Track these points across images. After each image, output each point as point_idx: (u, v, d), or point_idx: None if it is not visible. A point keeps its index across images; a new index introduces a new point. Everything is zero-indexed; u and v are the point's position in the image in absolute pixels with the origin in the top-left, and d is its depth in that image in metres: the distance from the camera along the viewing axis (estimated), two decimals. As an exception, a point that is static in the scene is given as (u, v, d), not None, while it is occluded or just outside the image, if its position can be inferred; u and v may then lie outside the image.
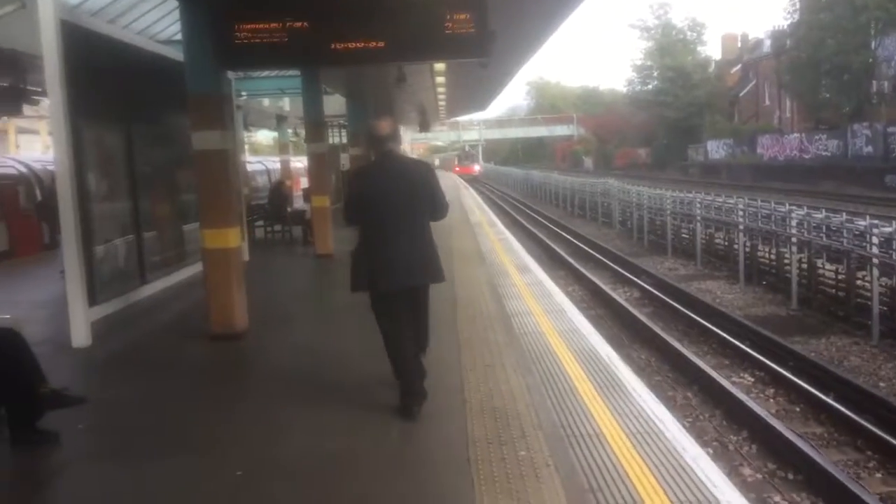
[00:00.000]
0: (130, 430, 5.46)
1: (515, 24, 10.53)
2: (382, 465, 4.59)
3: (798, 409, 8.98)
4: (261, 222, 17.49)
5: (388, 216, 5.32)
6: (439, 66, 14.43)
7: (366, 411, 5.54)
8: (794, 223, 14.09)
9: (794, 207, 15.06)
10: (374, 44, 7.18)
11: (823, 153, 41.09)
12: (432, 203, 5.51)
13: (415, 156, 75.15)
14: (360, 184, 5.60)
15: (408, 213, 5.35)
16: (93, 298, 7.83)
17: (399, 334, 5.53)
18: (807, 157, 42.55)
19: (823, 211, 14.61)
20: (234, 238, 7.78)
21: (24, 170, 17.92)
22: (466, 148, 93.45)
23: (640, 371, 10.32)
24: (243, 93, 21.49)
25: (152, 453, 4.97)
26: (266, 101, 25.75)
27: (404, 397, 5.41)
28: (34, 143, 33.44)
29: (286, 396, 5.99)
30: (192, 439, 5.24)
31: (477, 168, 79.19)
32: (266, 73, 20.52)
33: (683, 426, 7.66)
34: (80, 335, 7.63)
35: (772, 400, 9.36)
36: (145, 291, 9.25)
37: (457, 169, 73.26)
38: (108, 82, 8.54)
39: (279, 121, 29.20)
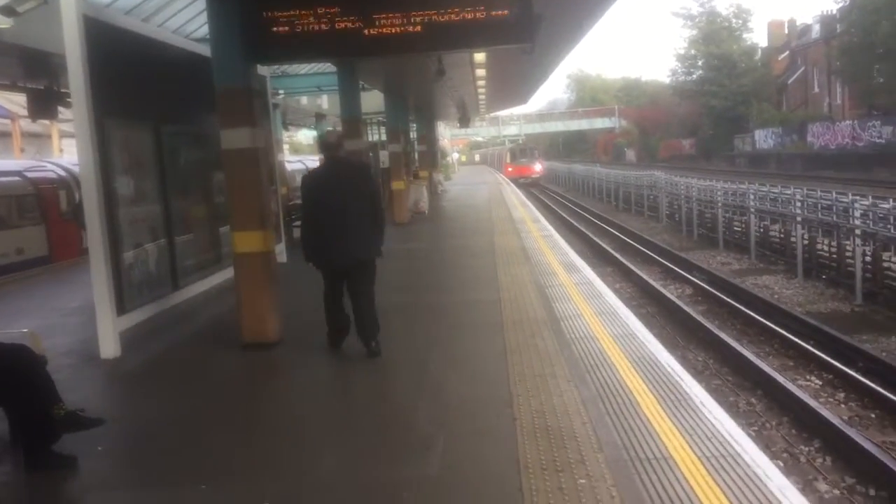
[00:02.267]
0: (153, 454, 5.05)
1: (561, 8, 9.97)
2: (424, 498, 4.10)
3: (873, 416, 8.32)
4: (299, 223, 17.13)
5: (332, 208, 6.65)
6: (480, 57, 13.92)
7: (404, 434, 5.07)
8: (857, 214, 13.29)
9: (857, 197, 14.24)
10: (411, 30, 6.71)
11: (877, 140, 39.53)
12: (371, 199, 6.83)
13: (455, 152, 74.69)
14: (312, 182, 6.99)
15: (348, 206, 6.66)
16: (121, 307, 7.48)
17: (333, 299, 6.99)
18: (860, 144, 41.00)
19: (892, 201, 13.75)
20: (266, 241, 7.36)
21: (63, 174, 17.84)
22: (521, 139, 78.73)
23: (697, 374, 9.72)
24: (280, 91, 21.18)
25: (175, 479, 4.57)
26: (304, 100, 25.42)
27: (329, 337, 7.15)
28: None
29: (319, 416, 5.56)
30: (216, 463, 4.81)
31: (538, 168, 56.61)
32: (303, 69, 20.22)
33: (749, 435, 7.13)
34: (109, 346, 7.28)
35: (843, 405, 8.70)
36: (178, 297, 8.89)
37: (510, 169, 54.55)
38: (135, 80, 8.18)
39: (318, 119, 28.89)
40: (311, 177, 7.14)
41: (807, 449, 7.52)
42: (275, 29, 6.85)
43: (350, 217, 6.64)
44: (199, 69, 8.42)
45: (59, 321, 9.07)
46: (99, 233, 7.20)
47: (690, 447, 4.38)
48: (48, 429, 4.65)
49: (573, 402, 5.25)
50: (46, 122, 25.70)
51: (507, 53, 12.88)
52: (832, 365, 9.70)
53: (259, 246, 7.25)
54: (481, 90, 21.68)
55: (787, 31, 63.98)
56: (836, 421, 7.75)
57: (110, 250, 7.31)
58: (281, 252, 13.22)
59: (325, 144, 7.07)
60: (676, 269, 17.42)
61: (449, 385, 5.94)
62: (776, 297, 14.19)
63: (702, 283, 15.48)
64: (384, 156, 24.25)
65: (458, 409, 5.38)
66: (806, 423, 8.05)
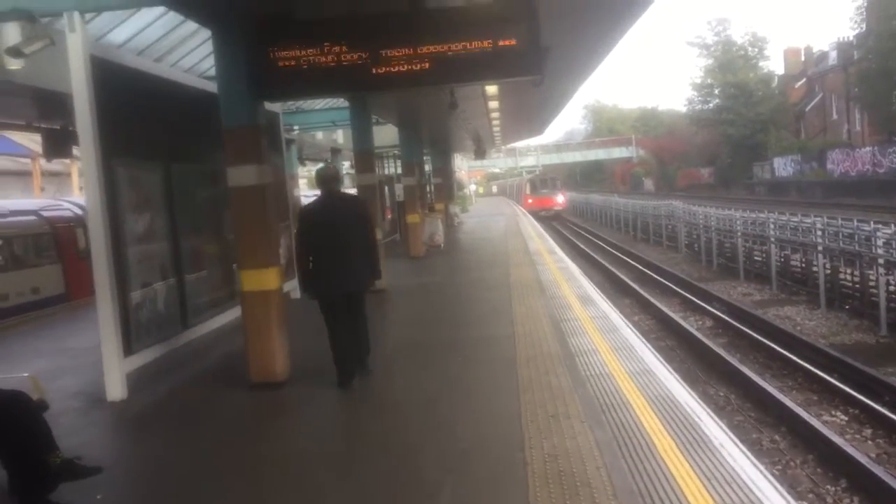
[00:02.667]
0: (153, 502, 4.90)
1: (570, 40, 9.90)
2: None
3: (903, 454, 8.03)
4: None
5: (328, 239, 6.97)
6: (492, 90, 13.86)
7: (411, 479, 4.89)
8: (880, 242, 13.01)
9: (879, 225, 13.96)
10: (419, 66, 6.64)
11: (898, 167, 39.15)
12: (365, 231, 7.17)
13: (472, 183, 74.62)
14: (309, 214, 7.27)
15: (344, 237, 6.99)
16: (128, 348, 7.39)
17: (337, 329, 7.09)
18: (881, 171, 40.58)
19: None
20: (273, 279, 7.26)
21: (79, 212, 17.91)
22: (538, 169, 74.30)
23: (719, 410, 9.47)
24: (295, 127, 21.27)
25: (173, 530, 4.42)
26: (319, 135, 25.53)
27: (340, 377, 7.05)
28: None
29: (324, 458, 5.39)
30: (218, 512, 4.67)
31: (561, 200, 51.94)
32: (318, 105, 20.30)
33: (773, 474, 6.87)
34: (115, 388, 7.18)
35: (870, 442, 8.41)
36: (188, 336, 8.80)
37: (530, 201, 50.48)
38: (144, 119, 8.19)
39: (333, 153, 28.99)
40: (308, 210, 7.40)
41: (833, 489, 7.25)
42: (281, 65, 6.79)
43: (346, 249, 6.98)
44: (210, 106, 8.40)
45: (69, 362, 8.98)
46: (106, 273, 7.13)
47: (710, 493, 4.17)
48: (44, 478, 4.52)
49: (587, 445, 5.06)
50: (66, 160, 25.97)
51: (517, 85, 12.82)
52: (858, 399, 9.41)
53: (266, 284, 7.15)
54: (495, 122, 21.63)
55: (803, 59, 63.80)
56: (863, 459, 7.47)
57: (117, 290, 7.24)
58: (295, 288, 13.13)
59: (322, 178, 7.31)
60: (696, 300, 17.15)
61: (459, 425, 5.77)
62: (798, 328, 13.89)
63: (722, 315, 15.20)
64: (399, 189, 24.25)
65: (467, 452, 5.20)
66: (832, 461, 7.77)
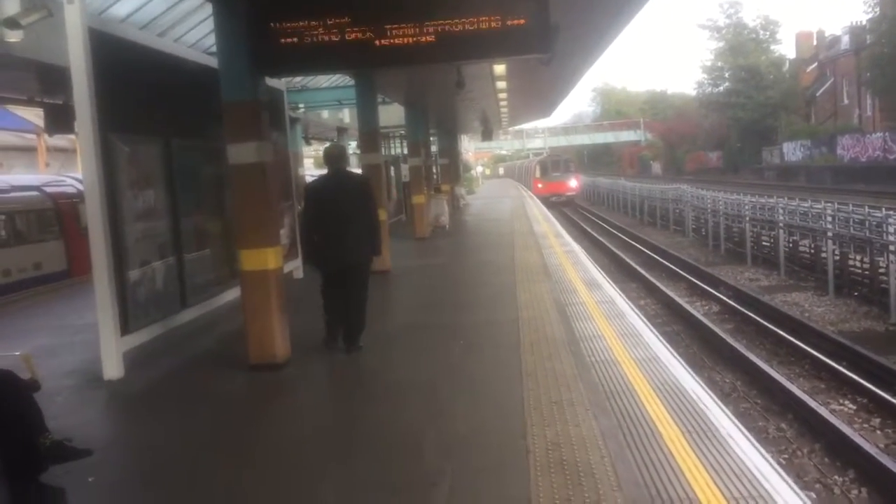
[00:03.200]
0: (145, 485, 4.82)
1: (581, 19, 9.67)
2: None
3: (912, 444, 7.90)
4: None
5: (332, 214, 7.29)
6: (500, 69, 13.63)
7: (410, 466, 4.77)
8: (892, 229, 12.81)
9: (891, 212, 13.74)
10: (424, 40, 6.44)
11: (910, 153, 38.79)
12: (368, 208, 7.44)
13: (479, 165, 74.29)
14: (315, 190, 7.69)
15: (347, 213, 7.29)
16: (126, 327, 7.26)
17: (329, 296, 7.63)
18: (892, 157, 40.21)
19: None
20: (274, 259, 7.11)
21: (82, 188, 17.78)
22: (545, 151, 71.16)
23: (725, 397, 9.34)
24: (301, 105, 21.08)
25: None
26: (325, 114, 25.31)
27: (327, 336, 7.67)
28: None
29: (321, 443, 5.27)
30: (211, 495, 4.55)
31: (574, 184, 48.10)
32: (324, 83, 20.08)
33: (780, 463, 6.74)
34: (112, 367, 7.06)
35: (879, 432, 8.28)
36: (187, 315, 8.67)
37: (539, 185, 46.58)
38: (144, 94, 8.01)
39: (340, 133, 28.79)
40: (314, 186, 7.88)
41: (841, 479, 7.13)
42: (283, 40, 6.61)
43: (349, 223, 7.31)
44: (212, 82, 8.23)
45: (68, 340, 8.88)
46: (103, 250, 7.00)
47: (718, 487, 4.03)
48: (33, 460, 4.40)
49: (591, 434, 4.92)
50: (71, 136, 25.83)
51: (526, 65, 12.60)
52: (866, 388, 9.28)
53: (266, 264, 7.00)
54: (503, 102, 21.37)
55: (815, 43, 63.09)
56: (872, 450, 7.33)
57: (115, 268, 7.11)
58: (298, 268, 13.01)
59: (329, 156, 7.69)
60: (703, 285, 17.00)
61: (460, 411, 5.65)
62: (807, 315, 13.73)
63: (729, 300, 15.05)
64: (405, 169, 24.06)
65: (468, 439, 5.08)
66: (840, 451, 7.65)
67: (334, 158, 7.59)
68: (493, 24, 6.44)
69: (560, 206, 43.37)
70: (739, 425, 5.00)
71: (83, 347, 8.24)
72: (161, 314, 8.07)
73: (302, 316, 9.52)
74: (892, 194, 29.33)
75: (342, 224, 7.27)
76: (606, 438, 4.84)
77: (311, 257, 7.74)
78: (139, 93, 7.90)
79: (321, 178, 7.87)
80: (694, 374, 6.17)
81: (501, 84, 16.05)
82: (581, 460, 4.51)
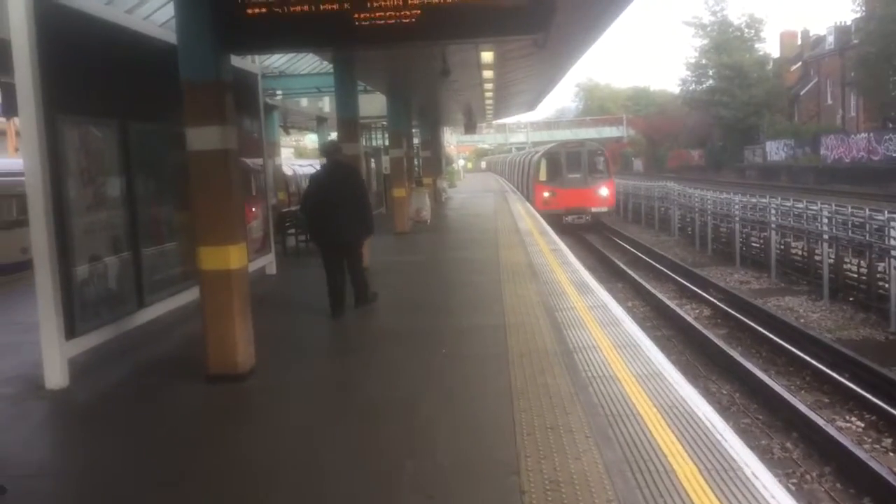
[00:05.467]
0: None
1: (573, 4, 9.02)
2: None
3: (929, 469, 7.31)
4: (293, 230, 16.10)
5: (329, 199, 8.52)
6: (487, 57, 12.93)
7: (381, 490, 4.10)
8: (894, 233, 12.27)
9: (894, 216, 13.19)
10: (408, 15, 5.74)
11: (894, 154, 38.46)
12: (358, 195, 8.72)
13: (461, 158, 73.64)
14: (315, 178, 9.15)
15: (341, 198, 8.52)
16: (72, 330, 6.52)
17: (331, 271, 8.76)
18: (875, 158, 39.92)
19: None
20: (237, 257, 6.38)
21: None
22: (527, 145, 62.22)
23: (724, 410, 8.76)
24: (278, 92, 20.29)
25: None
26: (304, 101, 24.51)
27: (332, 309, 8.71)
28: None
29: (283, 475, 4.54)
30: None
31: (605, 193, 29.13)
32: (303, 69, 19.30)
33: (788, 489, 6.14)
34: (55, 375, 6.35)
35: (892, 454, 7.70)
36: (144, 316, 7.94)
37: (546, 195, 28.83)
38: (98, 72, 7.25)
39: (319, 122, 28.00)
40: (315, 175, 9.38)
41: (857, 509, 6.54)
42: (249, 12, 5.88)
43: (342, 207, 8.51)
44: (176, 61, 7.48)
45: (14, 339, 8.14)
46: (45, 245, 6.27)
47: (751, 546, 3.39)
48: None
49: (594, 470, 4.26)
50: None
51: (513, 54, 11.95)
52: (874, 404, 8.71)
53: (228, 263, 6.26)
54: (488, 94, 20.67)
55: (800, 42, 62.90)
56: (888, 476, 6.75)
57: (59, 264, 6.37)
58: (271, 263, 12.29)
59: (325, 149, 9.55)
60: (692, 286, 16.44)
61: (443, 438, 4.96)
62: (802, 321, 13.20)
63: (720, 304, 14.48)
64: (386, 161, 23.32)
65: (451, 474, 4.40)
66: (853, 474, 7.05)
67: (330, 151, 9.12)
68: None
69: (583, 230, 27.87)
70: (764, 466, 4.36)
71: (30, 349, 7.43)
72: (113, 315, 7.32)
73: (274, 316, 8.84)
74: (879, 196, 28.98)
75: (334, 207, 8.47)
76: (612, 475, 4.18)
77: (311, 234, 9.43)
78: (93, 70, 7.14)
79: (321, 168, 9.36)
80: (704, 399, 5.54)
81: (488, 73, 15.36)
82: (585, 504, 3.86)
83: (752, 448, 4.92)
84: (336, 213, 8.45)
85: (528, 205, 27.28)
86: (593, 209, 28.19)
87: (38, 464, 5.05)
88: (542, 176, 29.10)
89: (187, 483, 4.54)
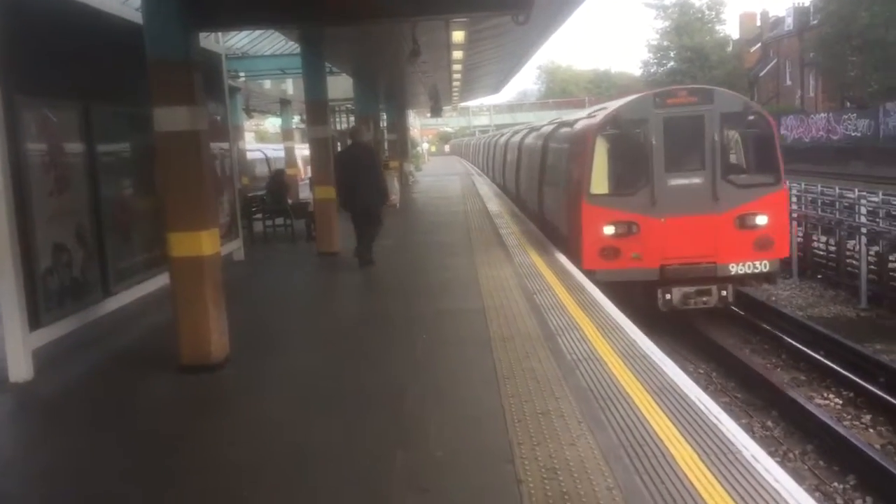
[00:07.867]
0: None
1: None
2: None
3: (908, 442, 7.36)
4: (260, 215, 15.78)
5: (353, 174, 10.53)
6: (458, 36, 12.72)
7: (371, 485, 3.94)
8: (864, 211, 12.36)
9: (864, 194, 13.28)
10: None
11: (853, 134, 39.00)
12: (376, 169, 10.92)
13: (425, 142, 73.25)
14: (342, 156, 11.54)
15: (362, 173, 10.46)
16: (35, 320, 6.24)
17: (359, 231, 10.84)
18: (835, 137, 40.49)
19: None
20: (208, 243, 6.14)
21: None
22: (491, 129, 61.68)
23: (704, 390, 8.69)
24: (241, 73, 19.83)
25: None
26: (268, 84, 24.04)
27: (360, 262, 10.80)
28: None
29: (261, 471, 4.34)
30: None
31: (764, 224, 10.42)
32: (268, 50, 18.88)
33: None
34: (19, 367, 6.08)
35: (872, 430, 7.73)
36: (110, 305, 7.65)
37: (606, 231, 10.61)
38: (60, 51, 6.90)
39: (283, 105, 27.52)
40: (341, 153, 12.18)
41: (842, 486, 6.53)
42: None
43: (363, 179, 10.43)
44: (142, 41, 7.17)
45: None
46: (6, 232, 5.97)
47: (760, 532, 3.29)
48: None
49: (590, 455, 4.15)
50: None
51: (488, 32, 11.75)
52: (851, 380, 8.76)
53: (199, 249, 6.03)
54: (456, 75, 20.46)
55: (759, 23, 63.44)
56: (870, 452, 6.76)
57: (21, 253, 6.07)
58: (238, 249, 12.00)
59: (350, 132, 12.34)
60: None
61: (432, 427, 4.79)
62: (773, 298, 13.27)
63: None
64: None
65: (443, 465, 4.24)
66: (835, 452, 7.05)
67: (353, 133, 11.67)
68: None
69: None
70: (758, 445, 4.28)
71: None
72: (79, 305, 7.03)
73: (246, 303, 8.60)
74: (841, 175, 29.32)
75: (356, 180, 10.43)
76: (609, 461, 4.07)
77: (343, 202, 10.96)
78: (53, 50, 6.80)
79: (346, 149, 11.92)
80: (691, 379, 5.45)
81: (458, 54, 15.14)
82: (585, 491, 3.74)
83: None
84: (357, 184, 10.34)
85: (496, 187, 27.15)
86: (733, 269, 10.66)
87: (1, 462, 4.80)
88: (598, 183, 11.06)
89: (161, 480, 4.33)
